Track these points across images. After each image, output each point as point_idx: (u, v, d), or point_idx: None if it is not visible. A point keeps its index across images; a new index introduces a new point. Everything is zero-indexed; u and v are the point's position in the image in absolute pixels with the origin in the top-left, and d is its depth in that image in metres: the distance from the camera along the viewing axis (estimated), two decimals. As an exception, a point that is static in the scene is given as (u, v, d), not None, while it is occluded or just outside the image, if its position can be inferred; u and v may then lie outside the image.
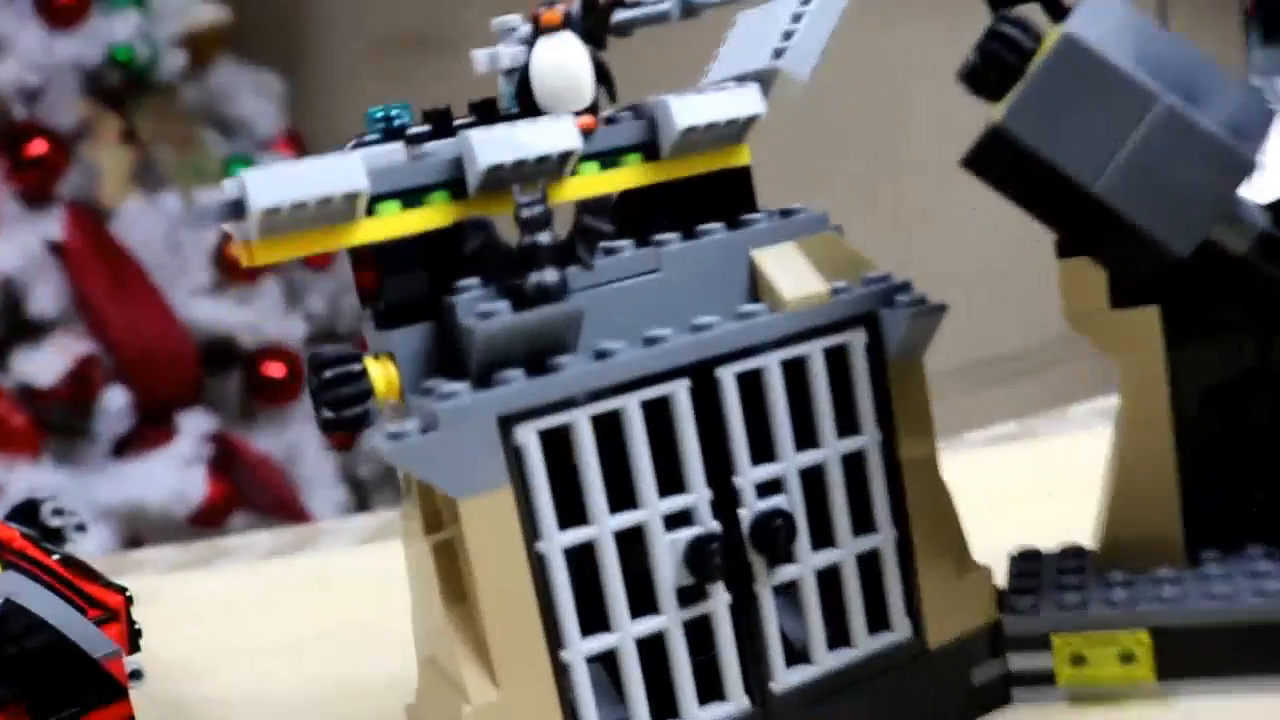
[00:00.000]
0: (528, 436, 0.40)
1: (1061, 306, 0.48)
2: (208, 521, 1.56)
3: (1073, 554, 0.52)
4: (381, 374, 0.41)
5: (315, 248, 0.41)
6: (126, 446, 1.60)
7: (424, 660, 0.45)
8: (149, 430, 1.61)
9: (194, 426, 1.60)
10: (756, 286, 0.44)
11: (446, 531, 0.41)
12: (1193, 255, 0.40)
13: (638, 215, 0.45)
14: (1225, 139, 0.39)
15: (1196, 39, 0.42)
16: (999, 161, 0.41)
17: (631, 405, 0.41)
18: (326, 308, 1.74)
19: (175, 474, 1.57)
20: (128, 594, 0.59)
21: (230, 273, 1.63)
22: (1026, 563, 0.52)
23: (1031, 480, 0.74)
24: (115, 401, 1.58)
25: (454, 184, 0.42)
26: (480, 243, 0.40)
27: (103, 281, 1.60)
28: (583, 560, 0.42)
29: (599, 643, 0.42)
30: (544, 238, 0.40)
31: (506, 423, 0.40)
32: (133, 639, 0.58)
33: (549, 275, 0.40)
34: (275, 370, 1.64)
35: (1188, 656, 0.47)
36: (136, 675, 0.56)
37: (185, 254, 1.63)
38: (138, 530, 1.55)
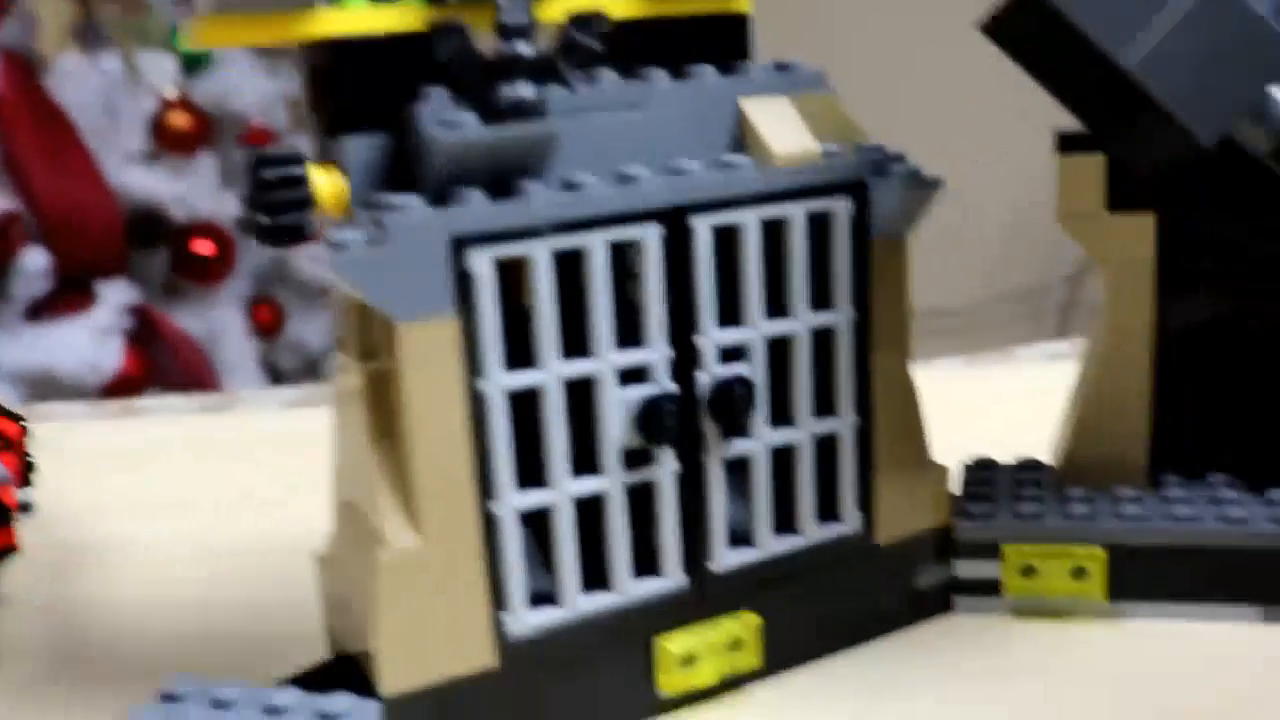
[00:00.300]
0: (482, 263, 0.36)
1: (1056, 206, 0.46)
2: (120, 394, 1.50)
3: (1030, 467, 0.50)
4: (327, 182, 0.37)
5: (271, 35, 0.37)
6: (42, 310, 1.54)
7: (341, 505, 0.41)
8: (67, 296, 1.55)
9: (115, 297, 1.54)
10: (744, 138, 0.41)
11: (380, 361, 0.38)
12: (1202, 158, 0.38)
13: (627, 51, 0.42)
14: (1274, 22, 0.36)
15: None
16: (1021, 26, 0.38)
17: (597, 244, 0.38)
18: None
19: (91, 343, 1.51)
20: (24, 424, 0.55)
21: (166, 143, 1.56)
22: (982, 471, 0.50)
23: (976, 401, 0.72)
24: (34, 263, 1.51)
25: (429, -17, 0.38)
26: (454, 48, 0.37)
27: (32, 137, 1.52)
28: (524, 411, 0.38)
29: (533, 498, 0.38)
30: (524, 48, 0.36)
31: (460, 245, 0.36)
32: (26, 471, 0.54)
33: (525, 90, 0.37)
34: (204, 247, 1.57)
35: (1142, 577, 0.45)
36: (26, 508, 0.52)
37: (121, 119, 1.56)
38: (47, 397, 1.49)
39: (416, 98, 0.37)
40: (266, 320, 1.63)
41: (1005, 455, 0.51)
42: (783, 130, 0.41)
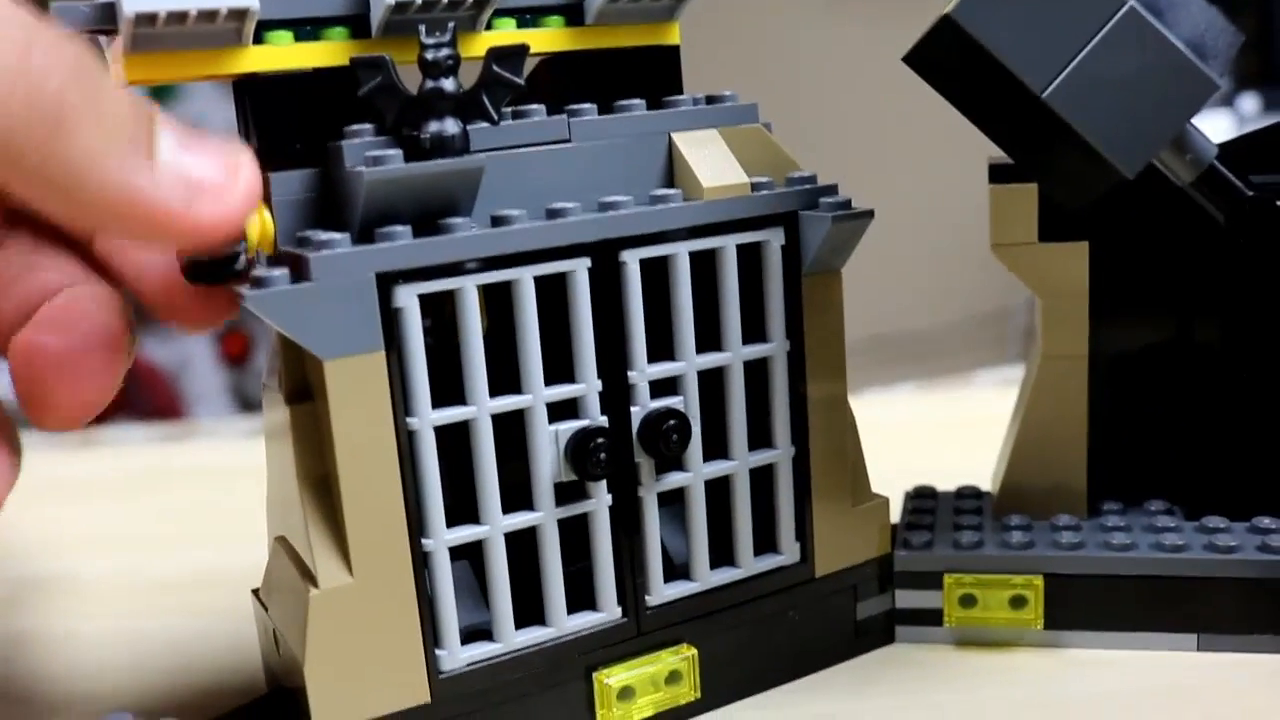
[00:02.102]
0: (409, 299, 0.36)
1: (990, 235, 0.46)
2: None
3: (970, 495, 0.50)
4: (255, 220, 0.37)
5: (194, 72, 0.36)
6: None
7: (275, 541, 0.41)
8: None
9: (83, 326, 1.53)
10: (673, 171, 0.41)
11: (310, 400, 0.37)
12: (1131, 187, 0.38)
13: (554, 86, 0.42)
14: (1190, 55, 0.36)
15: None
16: (944, 57, 0.37)
17: (525, 279, 0.38)
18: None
19: (58, 372, 1.50)
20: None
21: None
22: (922, 500, 0.50)
23: (929, 427, 0.72)
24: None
25: (356, 20, 0.38)
26: (376, 84, 0.36)
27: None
28: (455, 446, 0.38)
29: (466, 534, 0.38)
30: (448, 85, 0.36)
31: (386, 281, 0.36)
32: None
33: (449, 126, 0.36)
34: None
35: (1078, 606, 0.44)
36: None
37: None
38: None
39: (342, 134, 0.37)
40: (236, 350, 1.63)
41: (958, 481, 0.51)
42: (712, 163, 0.41)
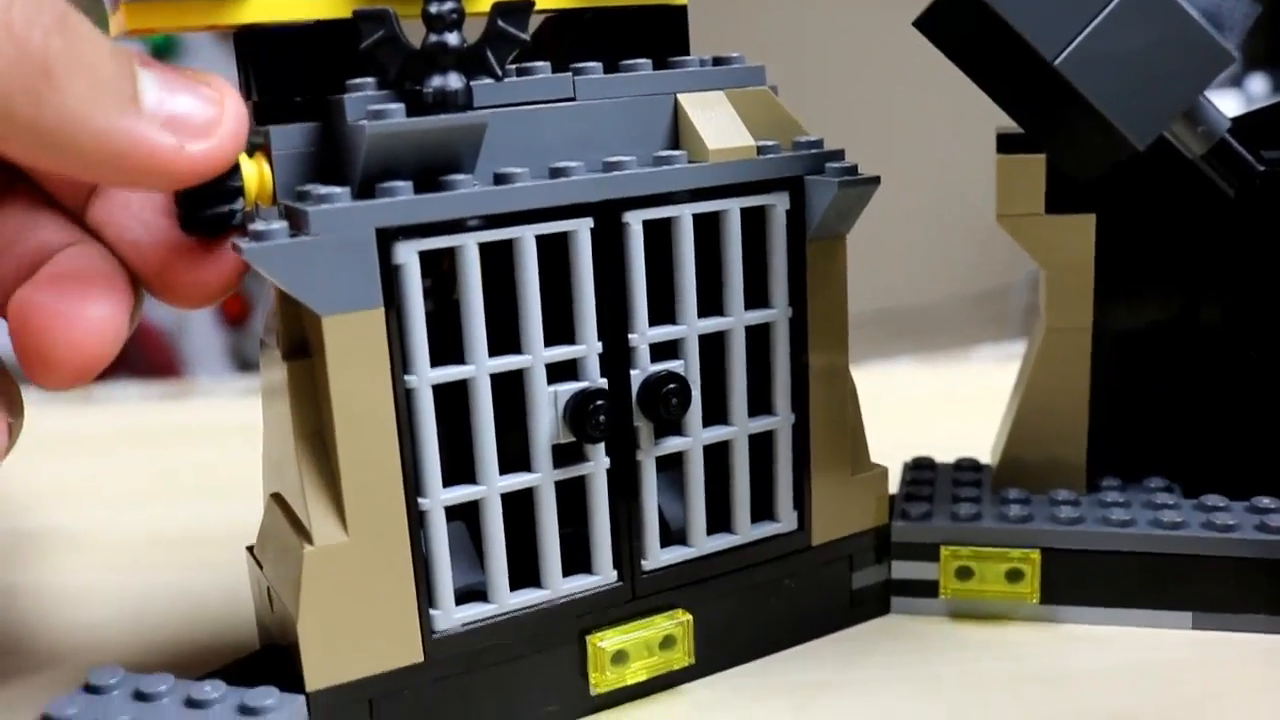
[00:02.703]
0: (409, 255, 0.36)
1: (996, 205, 0.45)
2: (85, 380, 1.49)
3: (969, 467, 0.50)
4: (254, 171, 0.36)
5: (193, 21, 0.36)
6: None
7: (270, 498, 0.40)
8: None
9: (82, 282, 1.53)
10: (679, 133, 0.40)
11: (307, 356, 0.37)
12: (1142, 158, 0.37)
13: (559, 44, 0.41)
14: (1205, 25, 0.35)
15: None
16: (955, 23, 0.37)
17: (526, 238, 0.37)
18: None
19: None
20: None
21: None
22: (921, 471, 0.49)
23: (929, 401, 0.72)
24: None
25: (359, -29, 0.37)
26: (379, 37, 0.36)
27: None
28: (453, 405, 0.38)
29: (462, 493, 0.38)
30: (452, 39, 0.36)
31: (386, 237, 0.35)
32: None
33: (453, 81, 0.36)
34: None
35: (1075, 581, 0.44)
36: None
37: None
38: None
39: (343, 87, 0.36)
40: (235, 310, 1.62)
41: (957, 454, 0.51)
42: (718, 125, 0.40)
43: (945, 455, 0.51)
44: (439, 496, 0.37)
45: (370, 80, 0.36)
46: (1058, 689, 0.41)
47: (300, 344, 0.37)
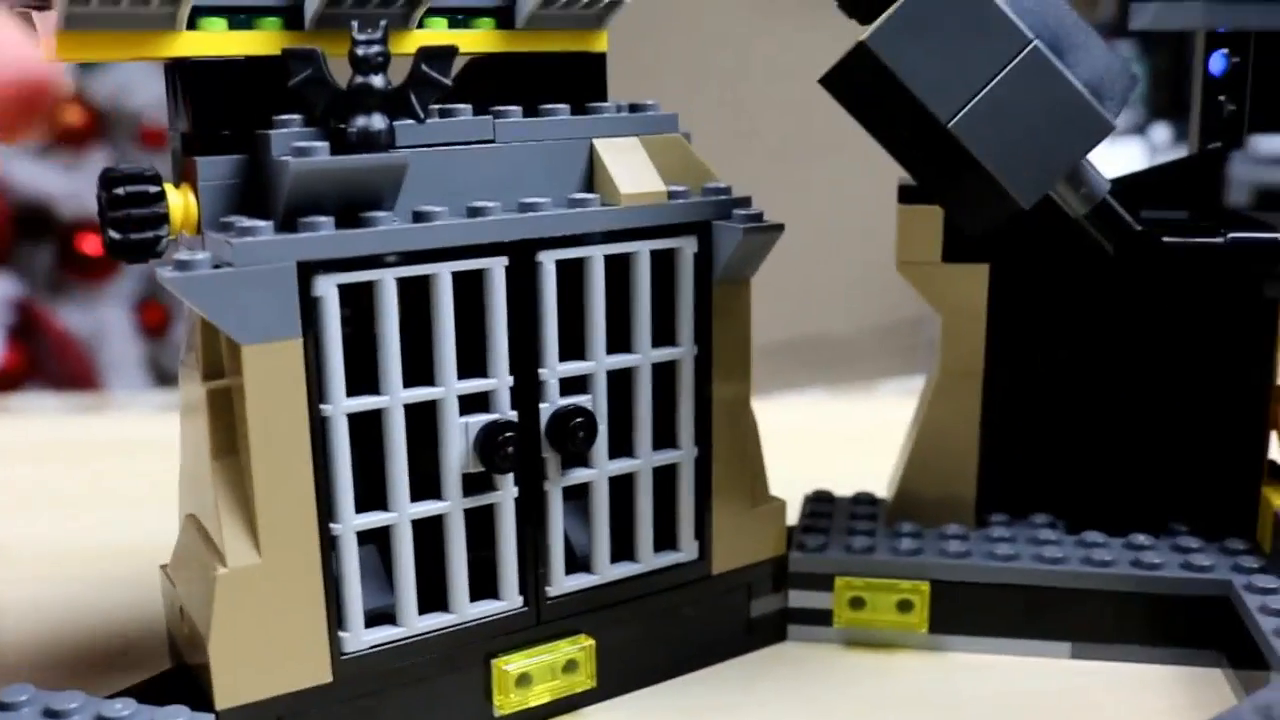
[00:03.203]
0: (328, 288, 0.37)
1: (896, 253, 0.47)
2: (-3, 387, 1.47)
3: (866, 501, 0.51)
4: (180, 202, 0.37)
5: (126, 52, 0.37)
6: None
7: (185, 518, 0.41)
8: (-50, 289, 1.51)
9: (-2, 290, 1.51)
10: (593, 176, 0.42)
11: (226, 379, 0.38)
12: (1030, 215, 0.39)
13: (481, 88, 0.42)
14: (1088, 96, 0.38)
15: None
16: (857, 83, 0.39)
17: (443, 274, 0.38)
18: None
19: (-30, 335, 1.48)
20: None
21: (57, 138, 1.53)
22: (820, 504, 0.51)
23: (834, 433, 0.74)
24: (-83, 252, 1.47)
25: (289, 11, 0.38)
26: (307, 76, 0.37)
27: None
28: (367, 433, 0.39)
29: (374, 519, 0.39)
30: (377, 81, 0.37)
31: (307, 270, 0.36)
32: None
33: (376, 121, 0.37)
34: (92, 245, 1.55)
35: (963, 611, 0.46)
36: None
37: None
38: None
39: (270, 123, 0.38)
40: (154, 321, 1.61)
41: (858, 485, 0.53)
42: (631, 170, 0.42)
43: (847, 487, 0.53)
44: (351, 521, 0.38)
45: (296, 117, 0.38)
46: (940, 714, 0.43)
47: (219, 367, 0.38)
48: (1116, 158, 0.45)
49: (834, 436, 0.73)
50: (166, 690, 0.39)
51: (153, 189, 0.37)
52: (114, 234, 0.37)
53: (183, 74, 0.38)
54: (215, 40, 0.38)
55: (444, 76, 0.38)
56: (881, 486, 0.53)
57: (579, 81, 0.43)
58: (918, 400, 0.51)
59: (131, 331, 1.61)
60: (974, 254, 0.46)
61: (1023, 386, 0.48)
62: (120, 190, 0.36)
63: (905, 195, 0.47)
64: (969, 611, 0.46)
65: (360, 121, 0.37)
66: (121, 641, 0.49)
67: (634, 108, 0.43)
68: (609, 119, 0.42)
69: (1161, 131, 1.27)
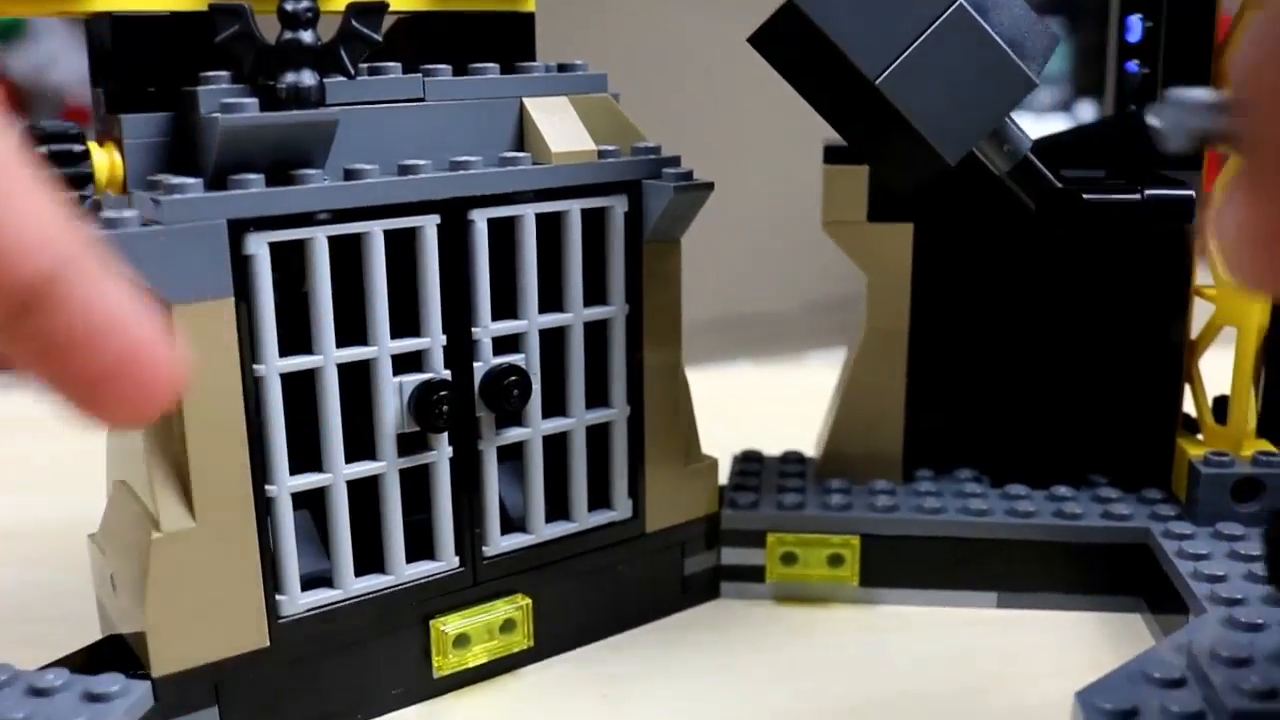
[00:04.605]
0: (260, 247, 0.36)
1: (821, 213, 0.48)
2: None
3: (794, 460, 0.52)
4: (105, 159, 0.37)
5: (49, 8, 0.36)
6: None
7: (115, 485, 0.40)
8: None
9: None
10: (524, 135, 0.42)
11: (156, 341, 0.37)
12: (953, 174, 0.40)
13: (410, 46, 0.42)
14: (1011, 54, 0.38)
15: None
16: (786, 41, 0.39)
17: (375, 233, 0.38)
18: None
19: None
20: None
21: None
22: (749, 463, 0.52)
23: (762, 400, 0.74)
24: None
25: (213, -34, 0.38)
26: (234, 31, 0.36)
27: None
28: (299, 394, 0.38)
29: (308, 480, 0.38)
30: (306, 36, 0.36)
31: (238, 228, 0.36)
32: None
33: (306, 78, 0.37)
34: None
35: (892, 564, 0.47)
36: None
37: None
38: None
39: (197, 79, 0.37)
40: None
41: (783, 449, 0.53)
42: (561, 129, 0.42)
43: (774, 450, 0.54)
44: (286, 484, 0.38)
45: (224, 74, 0.37)
46: (872, 666, 0.43)
47: (148, 332, 0.37)
48: (1043, 133, 0.46)
49: (760, 403, 0.74)
50: (99, 660, 0.38)
51: (77, 147, 0.36)
52: (36, 193, 0.36)
53: (108, 29, 0.37)
54: (139, -5, 0.37)
55: (374, 32, 0.37)
56: (809, 450, 0.53)
57: (508, 41, 0.43)
58: (844, 361, 0.52)
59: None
60: (898, 214, 0.47)
61: (947, 343, 0.49)
62: (44, 149, 0.35)
63: (830, 155, 0.47)
64: (898, 564, 0.47)
65: (290, 78, 0.36)
66: (46, 616, 0.48)
67: (563, 68, 0.43)
68: (539, 78, 0.42)
69: (1088, 109, 1.30)
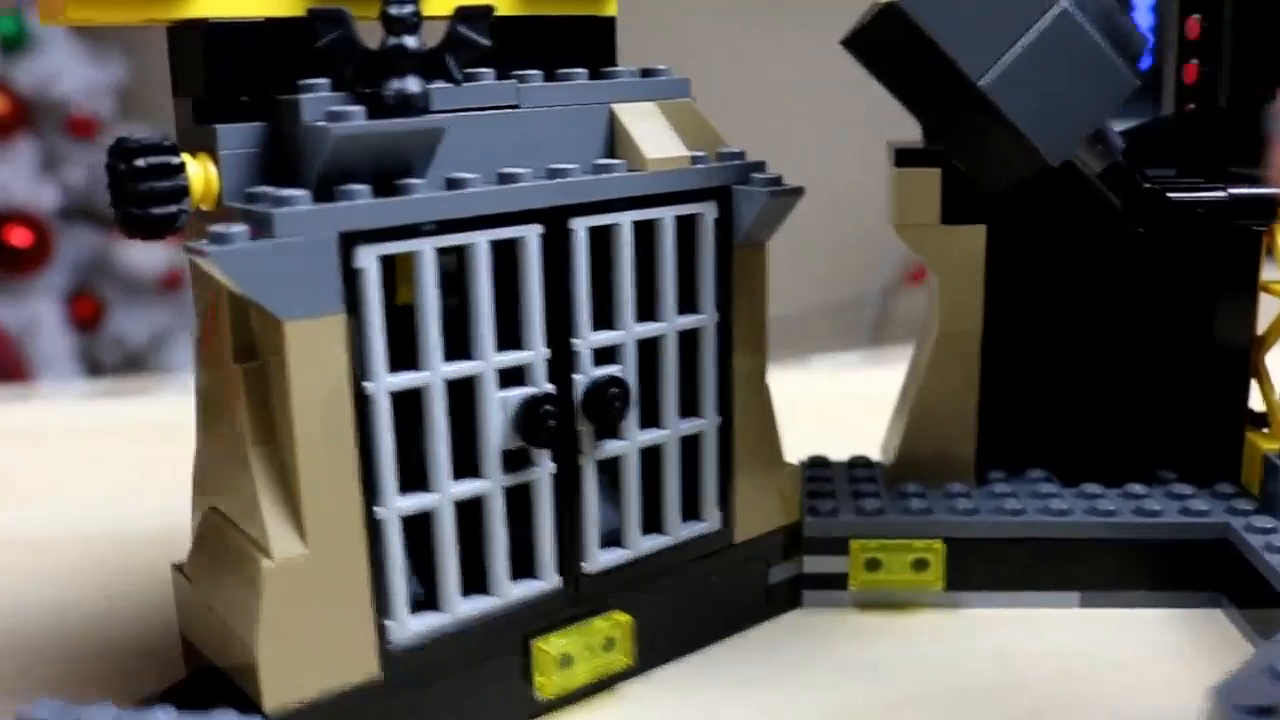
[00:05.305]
0: (369, 260, 0.34)
1: (891, 215, 0.47)
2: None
3: (863, 464, 0.51)
4: (200, 172, 0.34)
5: (140, 14, 0.34)
6: None
7: (205, 513, 0.38)
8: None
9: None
10: (614, 141, 0.40)
11: (259, 360, 0.35)
12: (1045, 176, 0.39)
13: (499, 50, 0.40)
14: (1114, 56, 0.37)
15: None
16: (883, 43, 0.38)
17: (480, 243, 0.36)
18: (85, 179, 1.50)
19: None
20: None
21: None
22: (818, 470, 0.51)
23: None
24: None
25: (307, -29, 0.36)
26: (335, 37, 0.34)
27: None
28: (404, 412, 0.36)
29: (417, 501, 0.36)
30: (411, 42, 0.35)
31: (349, 241, 0.34)
32: None
33: (412, 84, 0.35)
34: (19, 237, 1.44)
35: (974, 567, 0.46)
36: None
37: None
38: None
39: (293, 87, 0.35)
40: (87, 313, 1.52)
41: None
42: (654, 135, 0.40)
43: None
44: (395, 505, 0.36)
45: (324, 81, 0.35)
46: (958, 669, 0.42)
47: (251, 348, 0.35)
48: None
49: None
50: (196, 695, 0.36)
51: (174, 160, 0.34)
52: (135, 210, 0.33)
53: (199, 37, 0.35)
54: (235, 1, 0.35)
55: (481, 37, 0.36)
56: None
57: (590, 45, 0.41)
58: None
59: (62, 324, 1.51)
60: (971, 215, 0.46)
61: (1017, 344, 0.48)
62: (141, 162, 0.33)
63: (902, 158, 0.46)
64: (980, 567, 0.46)
65: (396, 84, 0.34)
66: (87, 638, 0.45)
67: (646, 72, 0.41)
68: (627, 83, 0.40)
69: (1145, 108, 1.31)
